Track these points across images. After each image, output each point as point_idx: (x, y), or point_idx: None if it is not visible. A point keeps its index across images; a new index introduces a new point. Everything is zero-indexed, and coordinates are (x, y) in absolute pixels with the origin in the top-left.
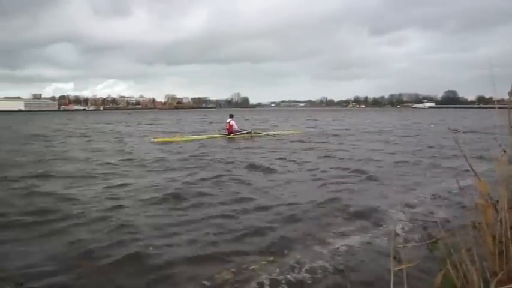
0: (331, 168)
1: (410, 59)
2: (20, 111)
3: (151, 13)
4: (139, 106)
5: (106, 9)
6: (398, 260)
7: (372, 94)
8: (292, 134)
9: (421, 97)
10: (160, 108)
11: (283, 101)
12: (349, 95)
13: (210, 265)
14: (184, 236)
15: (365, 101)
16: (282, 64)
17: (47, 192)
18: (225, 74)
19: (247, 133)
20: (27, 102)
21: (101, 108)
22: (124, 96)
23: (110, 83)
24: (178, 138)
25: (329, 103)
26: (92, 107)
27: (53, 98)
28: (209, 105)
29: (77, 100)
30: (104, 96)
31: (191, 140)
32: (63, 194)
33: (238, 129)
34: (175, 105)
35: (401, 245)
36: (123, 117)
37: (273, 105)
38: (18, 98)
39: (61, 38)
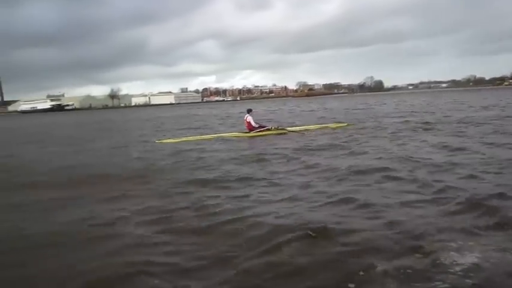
0: None
1: None
2: (171, 104)
3: (289, 2)
4: (272, 95)
5: (247, 4)
6: None
7: None
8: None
9: None
10: (292, 96)
11: (421, 82)
12: (505, 71)
13: None
14: None
15: None
16: (421, 42)
17: None
18: (356, 58)
19: (266, 129)
20: (176, 96)
21: (238, 99)
22: (258, 86)
23: (247, 74)
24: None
25: (478, 82)
26: (230, 97)
27: (196, 91)
28: (340, 91)
29: (217, 92)
30: (240, 87)
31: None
32: None
33: (257, 126)
34: (307, 92)
35: None
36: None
37: (410, 87)
38: (169, 92)
39: (207, 35)
